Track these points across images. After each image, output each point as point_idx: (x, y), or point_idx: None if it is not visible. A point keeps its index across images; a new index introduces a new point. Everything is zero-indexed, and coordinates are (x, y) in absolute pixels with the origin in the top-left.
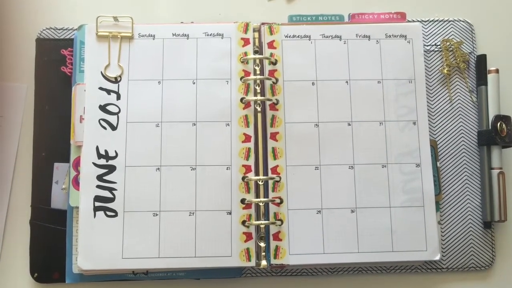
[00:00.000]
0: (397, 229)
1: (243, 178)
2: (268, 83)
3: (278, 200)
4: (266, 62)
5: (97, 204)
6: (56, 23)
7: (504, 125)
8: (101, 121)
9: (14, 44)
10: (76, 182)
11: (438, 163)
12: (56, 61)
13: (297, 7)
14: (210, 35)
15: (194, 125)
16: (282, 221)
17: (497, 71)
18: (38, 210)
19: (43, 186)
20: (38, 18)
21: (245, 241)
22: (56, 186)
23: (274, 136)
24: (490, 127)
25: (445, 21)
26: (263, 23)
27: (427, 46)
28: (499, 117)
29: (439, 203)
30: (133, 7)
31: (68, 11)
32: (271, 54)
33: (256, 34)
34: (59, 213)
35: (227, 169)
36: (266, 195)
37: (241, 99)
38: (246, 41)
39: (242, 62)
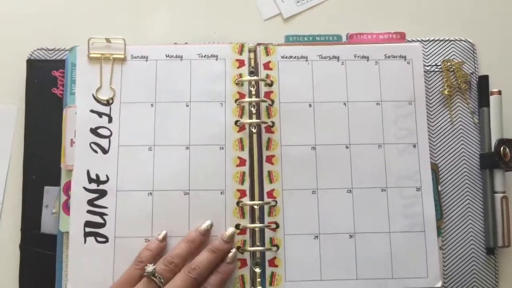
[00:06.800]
0: (397, 255)
1: (237, 203)
2: (263, 105)
3: (274, 225)
4: (261, 83)
5: (87, 229)
6: (48, 43)
7: (507, 149)
8: (92, 144)
9: (4, 65)
10: (66, 207)
11: (439, 186)
12: (47, 83)
13: (294, 27)
14: (204, 56)
15: (187, 148)
16: (278, 247)
17: (499, 92)
18: (28, 234)
19: (33, 210)
20: (29, 39)
21: (240, 267)
22: (46, 210)
23: (270, 159)
24: (492, 150)
25: (446, 40)
26: (259, 44)
27: (427, 66)
28: (502, 141)
29: (441, 228)
30: (126, 28)
31: (60, 32)
32: (267, 76)
33: (252, 55)
34: (49, 237)
35: (221, 193)
36: (261, 220)
37: (236, 122)
38: (241, 63)
39: (237, 84)
